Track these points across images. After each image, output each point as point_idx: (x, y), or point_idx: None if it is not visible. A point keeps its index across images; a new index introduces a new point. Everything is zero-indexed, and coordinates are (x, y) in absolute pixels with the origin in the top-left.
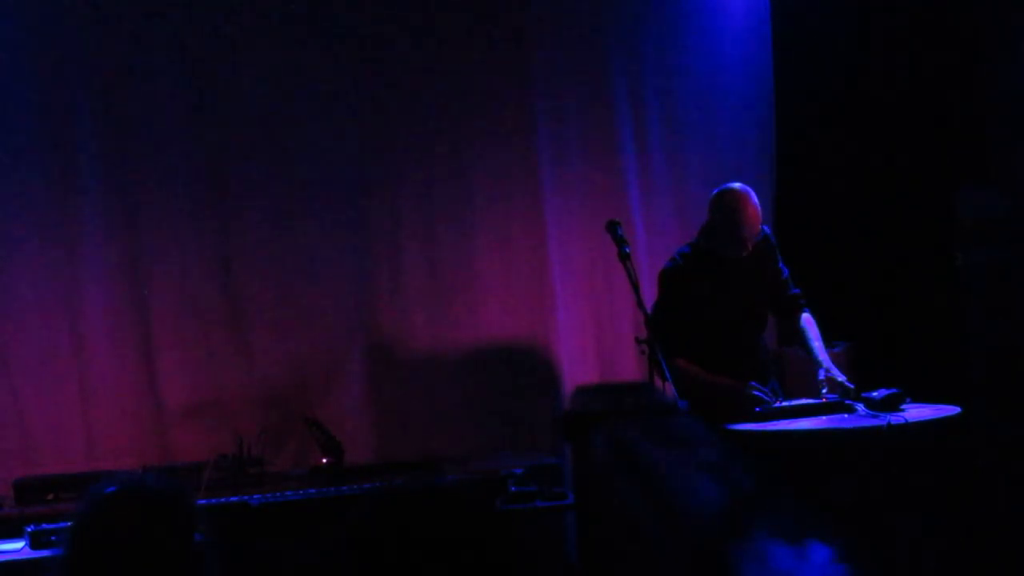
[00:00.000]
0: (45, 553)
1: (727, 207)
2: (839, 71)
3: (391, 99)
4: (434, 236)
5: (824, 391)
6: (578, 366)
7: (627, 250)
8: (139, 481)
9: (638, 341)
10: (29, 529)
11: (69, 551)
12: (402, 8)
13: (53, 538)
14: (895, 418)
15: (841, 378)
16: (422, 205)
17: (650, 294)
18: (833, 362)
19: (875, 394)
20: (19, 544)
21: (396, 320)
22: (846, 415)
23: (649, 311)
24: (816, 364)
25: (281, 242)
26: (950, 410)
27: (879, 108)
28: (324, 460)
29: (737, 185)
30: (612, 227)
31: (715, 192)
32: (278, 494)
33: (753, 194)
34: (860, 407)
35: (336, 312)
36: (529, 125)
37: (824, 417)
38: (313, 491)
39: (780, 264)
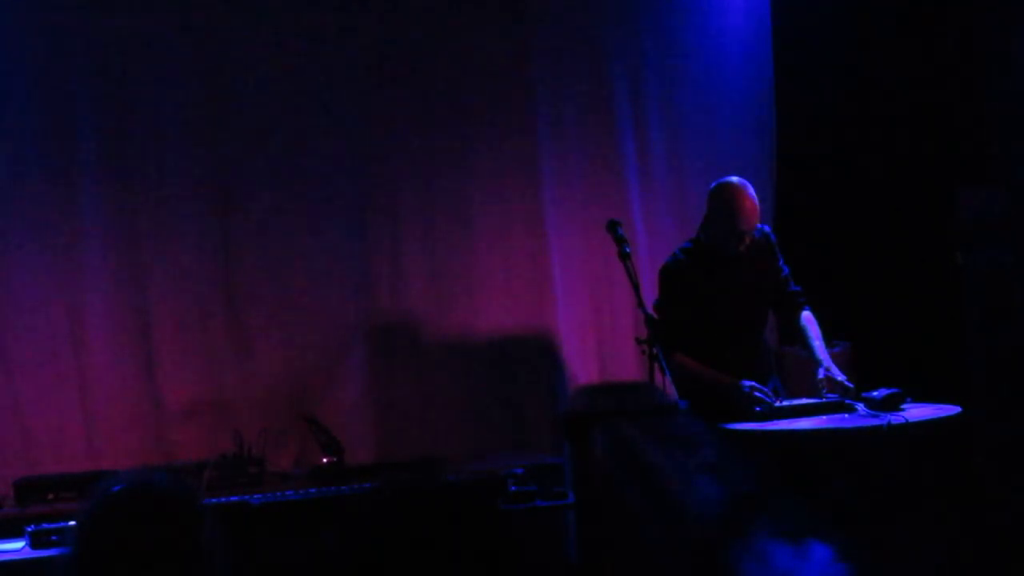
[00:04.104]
0: (45, 553)
1: (724, 200)
2: (839, 71)
3: (391, 99)
4: (434, 236)
5: (824, 390)
6: (578, 366)
7: (627, 249)
8: (146, 480)
9: (638, 341)
10: (29, 529)
11: (75, 550)
12: (402, 9)
13: (53, 538)
14: (895, 418)
15: (841, 377)
16: (422, 205)
17: (650, 294)
18: (833, 362)
19: (875, 394)
20: (19, 544)
21: (396, 320)
22: (846, 415)
23: (649, 310)
24: (816, 363)
25: (281, 242)
26: (950, 410)
27: (879, 108)
28: (324, 460)
29: (735, 178)
30: (612, 227)
31: (713, 185)
32: (279, 494)
33: (751, 188)
34: (860, 407)
35: (336, 312)
36: (529, 125)
37: (824, 417)
38: (313, 491)
39: (780, 262)
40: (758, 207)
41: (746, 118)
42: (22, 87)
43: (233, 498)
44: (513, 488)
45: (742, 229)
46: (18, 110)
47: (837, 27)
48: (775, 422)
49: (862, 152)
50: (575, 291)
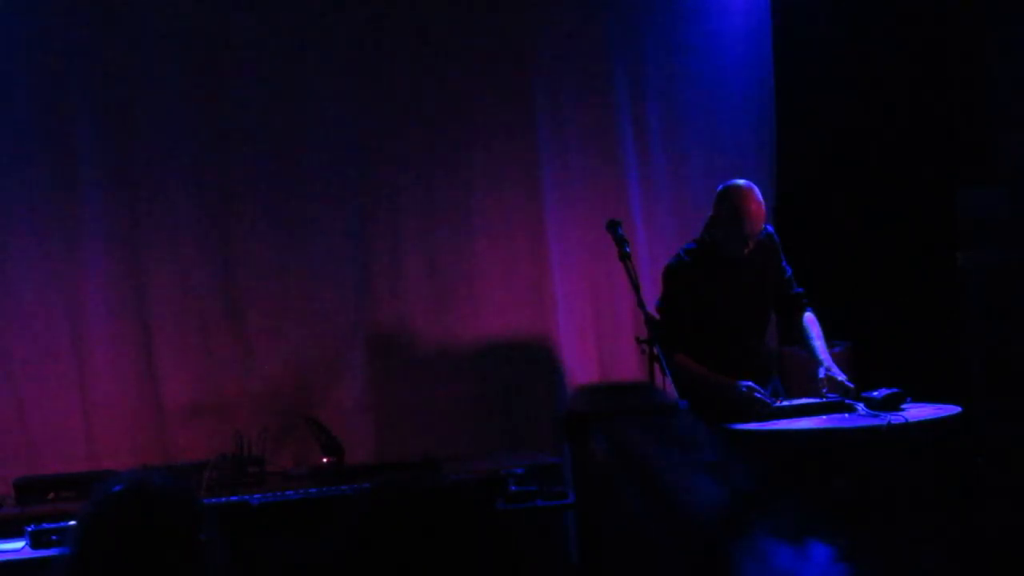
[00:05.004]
0: (45, 553)
1: (731, 203)
2: (839, 71)
3: (391, 99)
4: (434, 236)
5: (824, 390)
6: (578, 366)
7: (627, 249)
8: (145, 480)
9: (638, 341)
10: (29, 529)
11: (75, 549)
12: (401, 9)
13: (53, 537)
14: (895, 418)
15: (841, 377)
16: (422, 205)
17: (650, 294)
18: (834, 362)
19: (875, 394)
20: (19, 544)
21: (396, 320)
22: (846, 415)
23: (650, 310)
24: (817, 363)
25: (281, 242)
26: (950, 410)
27: (879, 108)
28: (324, 460)
29: (742, 181)
30: (612, 227)
31: (720, 187)
32: (278, 494)
33: (758, 191)
34: (860, 407)
35: (336, 312)
36: (529, 124)
37: (824, 417)
38: (313, 491)
39: (783, 263)
40: (764, 210)
41: (746, 118)
42: (22, 88)
43: (233, 498)
44: (513, 488)
45: (748, 232)
46: (18, 111)
47: (837, 27)
48: (775, 422)
49: (862, 152)
50: (575, 291)
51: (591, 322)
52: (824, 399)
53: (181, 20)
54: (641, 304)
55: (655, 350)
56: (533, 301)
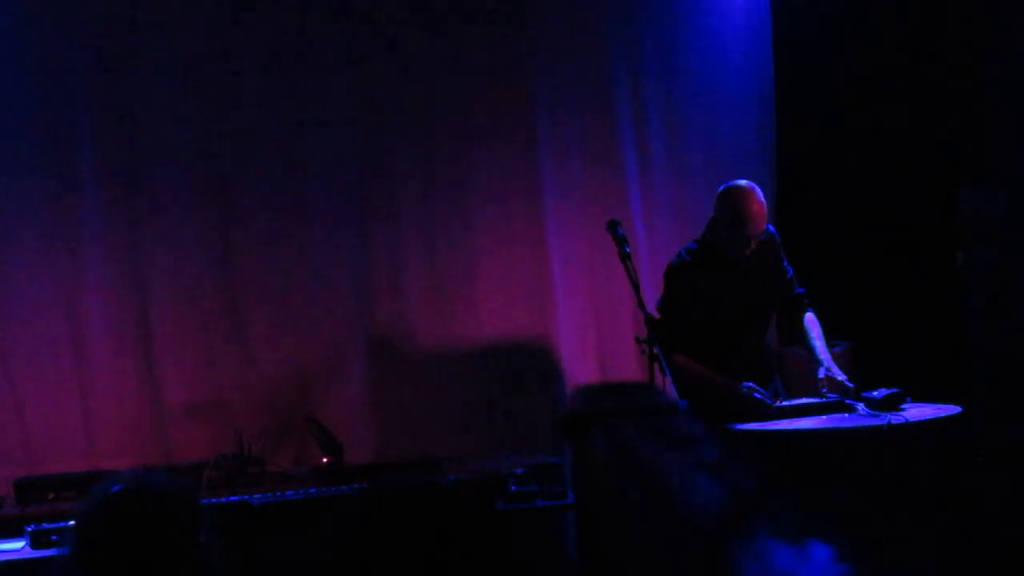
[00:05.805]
0: (45, 552)
1: (733, 204)
2: (840, 71)
3: (391, 98)
4: (434, 236)
5: (824, 390)
6: (578, 366)
7: (627, 249)
8: (144, 480)
9: (638, 341)
10: (30, 529)
11: (74, 549)
12: (402, 8)
13: (54, 537)
14: (895, 418)
15: (841, 377)
16: (422, 205)
17: (650, 293)
18: (834, 362)
19: (875, 394)
20: (19, 544)
21: (396, 320)
22: (846, 415)
23: (650, 310)
24: (817, 363)
25: (281, 242)
26: (950, 410)
27: (880, 108)
28: (324, 460)
29: (743, 182)
30: (612, 226)
31: (721, 188)
32: (278, 494)
33: (759, 191)
34: (860, 407)
35: (336, 312)
36: (529, 124)
37: (824, 417)
38: (313, 491)
39: (785, 263)
40: (766, 211)
41: (746, 118)
42: (22, 88)
43: (233, 498)
44: (513, 488)
45: (750, 233)
46: (18, 111)
47: (837, 27)
48: (775, 422)
49: (862, 152)
50: (575, 291)
51: (591, 322)
52: (824, 399)
53: (182, 20)
54: (641, 304)
55: (655, 350)
56: (533, 301)
